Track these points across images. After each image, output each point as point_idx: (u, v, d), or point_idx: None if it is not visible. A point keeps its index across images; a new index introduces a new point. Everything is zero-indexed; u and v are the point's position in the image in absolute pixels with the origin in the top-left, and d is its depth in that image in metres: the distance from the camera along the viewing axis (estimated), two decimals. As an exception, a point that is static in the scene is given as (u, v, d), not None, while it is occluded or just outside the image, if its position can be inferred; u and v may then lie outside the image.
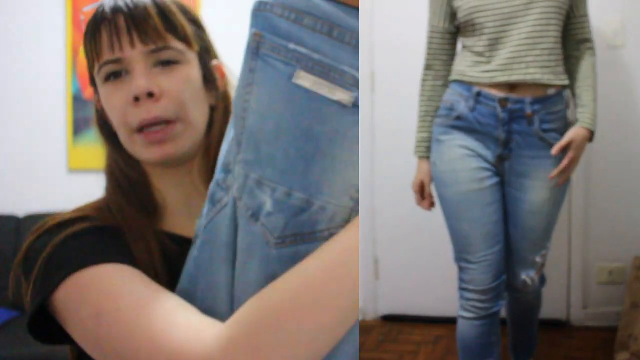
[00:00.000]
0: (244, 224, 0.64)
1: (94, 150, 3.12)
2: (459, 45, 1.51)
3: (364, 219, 2.38)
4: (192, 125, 0.82)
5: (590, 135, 1.40)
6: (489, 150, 1.39)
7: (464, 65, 1.41)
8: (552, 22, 1.34)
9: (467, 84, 1.39)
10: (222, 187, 0.69)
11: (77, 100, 3.00)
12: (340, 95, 0.61)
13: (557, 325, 2.26)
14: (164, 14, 0.81)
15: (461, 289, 1.44)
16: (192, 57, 0.84)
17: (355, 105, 0.62)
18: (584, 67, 1.42)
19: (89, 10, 0.84)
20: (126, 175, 0.86)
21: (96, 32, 0.80)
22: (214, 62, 0.90)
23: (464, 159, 1.39)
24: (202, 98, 0.85)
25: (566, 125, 1.40)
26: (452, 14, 1.42)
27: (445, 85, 1.47)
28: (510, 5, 1.33)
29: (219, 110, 0.88)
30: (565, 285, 2.28)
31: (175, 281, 0.73)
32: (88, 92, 2.99)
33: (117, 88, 0.80)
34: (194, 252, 0.71)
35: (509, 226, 1.46)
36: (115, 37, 0.79)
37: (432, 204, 1.53)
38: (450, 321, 1.91)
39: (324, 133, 0.61)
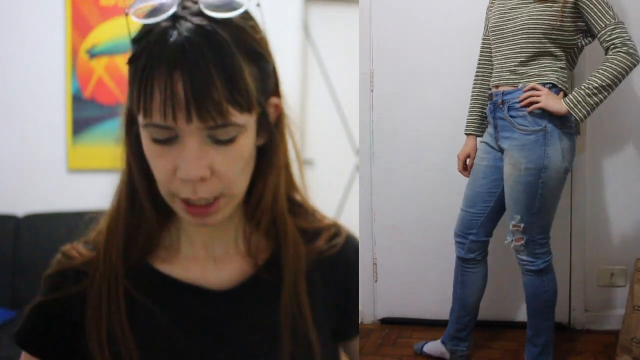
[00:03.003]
0: None
1: (94, 150, 3.12)
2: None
3: (363, 221, 2.37)
4: (237, 195, 0.73)
5: (565, 112, 1.64)
6: (492, 135, 1.80)
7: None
8: (538, 39, 1.66)
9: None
10: None
11: (77, 101, 2.99)
12: None
13: (559, 329, 2.22)
14: (229, 78, 0.64)
15: None
16: (250, 123, 0.70)
17: None
18: (602, 64, 1.65)
19: (140, 11, 0.67)
20: (141, 204, 0.77)
21: (147, 80, 0.64)
22: (273, 101, 0.76)
23: (480, 144, 1.88)
24: (252, 158, 0.74)
25: (543, 113, 1.65)
26: None
27: (489, 81, 1.85)
28: (507, 26, 1.73)
29: (268, 150, 0.77)
30: (567, 289, 2.25)
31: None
32: (88, 92, 2.99)
33: (164, 152, 0.68)
34: None
35: None
36: (169, 107, 0.63)
37: (466, 174, 1.94)
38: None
39: None
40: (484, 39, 1.92)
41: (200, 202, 0.70)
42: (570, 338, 2.19)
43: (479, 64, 1.93)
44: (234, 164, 0.69)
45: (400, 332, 2.31)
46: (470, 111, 1.93)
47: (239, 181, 0.72)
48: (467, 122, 1.94)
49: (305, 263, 0.81)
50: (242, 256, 0.81)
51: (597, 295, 2.26)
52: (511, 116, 1.70)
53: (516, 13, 1.70)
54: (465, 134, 1.94)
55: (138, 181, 0.75)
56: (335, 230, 0.88)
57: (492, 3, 1.84)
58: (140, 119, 0.68)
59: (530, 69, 1.69)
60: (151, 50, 0.64)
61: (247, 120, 0.68)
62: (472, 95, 1.93)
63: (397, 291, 2.39)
